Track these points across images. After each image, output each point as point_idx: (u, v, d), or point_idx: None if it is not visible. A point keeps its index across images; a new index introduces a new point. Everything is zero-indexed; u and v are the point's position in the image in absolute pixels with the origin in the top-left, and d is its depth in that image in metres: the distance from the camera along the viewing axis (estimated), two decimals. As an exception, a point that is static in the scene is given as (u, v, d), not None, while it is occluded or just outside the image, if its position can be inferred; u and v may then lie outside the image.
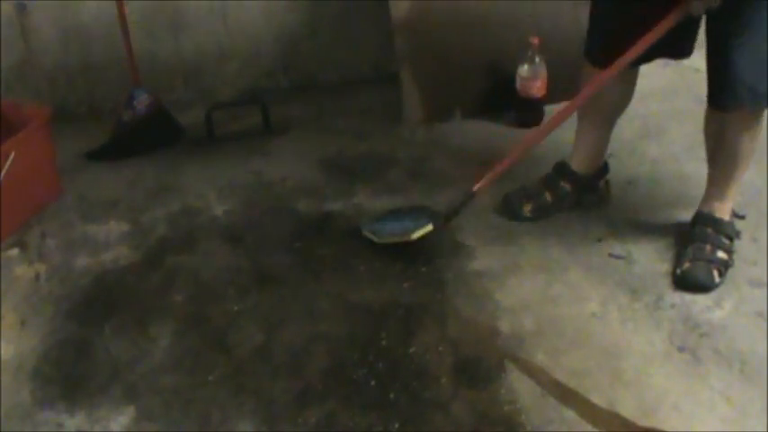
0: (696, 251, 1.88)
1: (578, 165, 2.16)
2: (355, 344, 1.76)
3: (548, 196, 2.16)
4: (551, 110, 2.61)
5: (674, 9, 1.67)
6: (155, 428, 1.61)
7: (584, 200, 2.18)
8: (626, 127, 2.55)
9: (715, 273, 1.86)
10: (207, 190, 2.40)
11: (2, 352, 1.83)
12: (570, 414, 1.56)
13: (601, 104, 2.05)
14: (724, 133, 1.85)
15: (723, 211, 1.94)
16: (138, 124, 2.63)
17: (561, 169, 2.18)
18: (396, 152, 2.52)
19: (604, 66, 1.85)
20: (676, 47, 1.87)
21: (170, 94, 2.89)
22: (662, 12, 1.69)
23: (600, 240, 2.04)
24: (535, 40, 2.48)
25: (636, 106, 2.63)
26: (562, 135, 2.14)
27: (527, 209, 2.15)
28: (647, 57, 1.86)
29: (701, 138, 1.95)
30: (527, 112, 2.60)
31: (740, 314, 1.78)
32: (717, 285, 1.85)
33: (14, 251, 2.18)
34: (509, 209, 2.15)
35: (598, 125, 2.13)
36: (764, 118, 1.82)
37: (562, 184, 2.16)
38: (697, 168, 2.12)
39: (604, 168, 2.20)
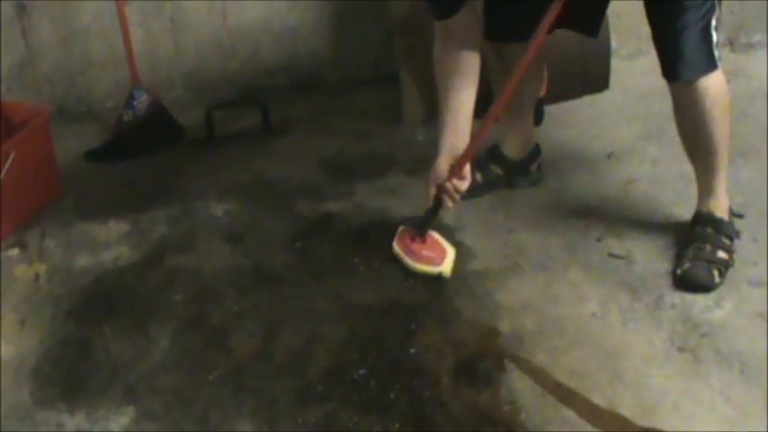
0: (696, 251, 1.88)
1: (509, 149, 2.27)
2: (355, 344, 1.76)
3: (479, 177, 2.22)
4: (552, 110, 2.61)
5: None
6: (155, 428, 1.61)
7: (516, 183, 2.27)
8: (626, 127, 2.55)
9: (715, 273, 1.85)
10: (207, 190, 2.40)
11: (2, 352, 1.83)
12: (570, 414, 1.56)
13: (516, 91, 2.10)
14: (684, 111, 1.87)
15: (720, 208, 1.94)
16: (138, 124, 2.63)
17: (493, 153, 2.28)
18: (396, 152, 2.52)
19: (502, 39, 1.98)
20: (585, 22, 1.98)
21: (170, 94, 2.90)
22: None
23: (600, 240, 2.04)
24: (535, 40, 2.48)
25: (636, 106, 2.64)
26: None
27: None
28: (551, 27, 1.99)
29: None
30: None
31: (740, 314, 1.77)
32: (717, 285, 1.85)
33: (14, 251, 2.19)
34: None
35: (516, 110, 2.21)
36: (718, 96, 1.83)
37: (493, 167, 2.27)
38: (697, 168, 2.12)
39: (536, 152, 2.29)
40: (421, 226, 1.98)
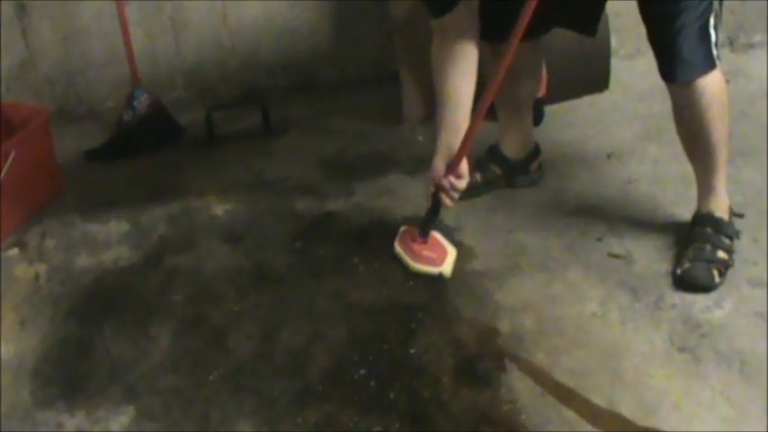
0: (696, 251, 1.88)
1: (508, 149, 2.27)
2: (355, 344, 1.76)
3: (478, 177, 2.23)
4: (552, 110, 2.62)
5: None
6: (155, 428, 1.61)
7: (516, 182, 2.28)
8: (626, 127, 2.55)
9: (715, 273, 1.85)
10: (207, 190, 2.40)
11: (2, 352, 1.83)
12: (570, 414, 1.56)
13: (513, 89, 2.14)
14: (682, 110, 1.87)
15: (720, 208, 1.94)
16: (138, 124, 2.63)
17: (492, 152, 2.28)
18: (396, 152, 2.52)
19: (498, 39, 1.90)
20: (580, 21, 1.99)
21: (170, 94, 2.90)
22: None
23: (600, 240, 2.04)
24: (535, 40, 2.48)
25: (636, 106, 2.64)
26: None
27: None
28: (546, 25, 2.02)
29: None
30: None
31: (740, 314, 1.77)
32: (717, 285, 1.84)
33: (14, 251, 2.19)
34: None
35: (515, 110, 2.22)
36: (716, 95, 1.82)
37: (492, 167, 2.28)
38: (697, 168, 2.12)
39: (536, 152, 2.29)
40: (423, 227, 1.97)
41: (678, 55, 1.78)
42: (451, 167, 1.88)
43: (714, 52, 1.80)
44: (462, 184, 1.91)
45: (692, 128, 1.88)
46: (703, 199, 1.96)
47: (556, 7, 1.94)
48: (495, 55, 2.07)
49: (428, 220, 1.97)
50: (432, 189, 1.93)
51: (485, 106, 1.82)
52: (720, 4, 1.79)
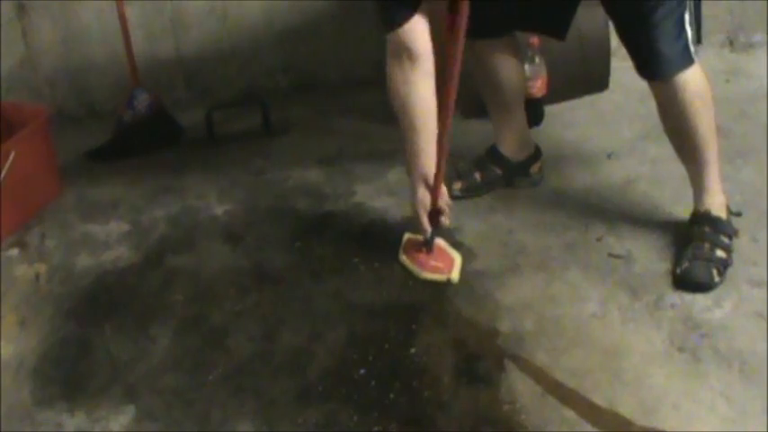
0: (695, 250, 1.88)
1: (506, 150, 2.27)
2: (355, 344, 1.76)
3: (478, 176, 2.25)
4: (552, 110, 2.61)
5: None
6: (155, 428, 1.61)
7: (516, 183, 2.28)
8: (626, 127, 2.56)
9: (714, 272, 1.85)
10: (207, 190, 2.40)
11: (2, 352, 1.83)
12: (570, 414, 1.56)
13: (496, 87, 2.16)
14: (666, 108, 1.89)
15: (718, 207, 1.94)
16: (138, 124, 2.63)
17: (492, 153, 2.27)
18: (396, 152, 2.52)
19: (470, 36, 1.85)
20: (551, 24, 2.00)
21: (170, 94, 2.90)
22: None
23: (599, 240, 2.04)
24: (535, 40, 2.48)
25: (636, 106, 2.64)
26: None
27: (457, 187, 2.22)
28: (514, 26, 2.05)
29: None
30: (527, 112, 2.59)
31: (740, 314, 1.77)
32: (716, 284, 1.84)
33: (14, 251, 2.19)
34: None
35: (502, 109, 2.22)
36: (698, 90, 1.83)
37: (492, 167, 2.27)
38: (697, 168, 2.12)
39: (537, 154, 2.29)
40: (426, 243, 1.96)
41: (656, 51, 1.78)
42: (436, 190, 1.88)
43: (691, 48, 1.81)
44: (450, 201, 1.96)
45: (678, 124, 1.89)
46: (699, 198, 1.96)
47: (520, 9, 1.93)
48: (471, 52, 2.07)
49: (431, 239, 1.95)
50: (425, 216, 1.91)
51: (449, 118, 1.78)
52: (693, 4, 1.80)
